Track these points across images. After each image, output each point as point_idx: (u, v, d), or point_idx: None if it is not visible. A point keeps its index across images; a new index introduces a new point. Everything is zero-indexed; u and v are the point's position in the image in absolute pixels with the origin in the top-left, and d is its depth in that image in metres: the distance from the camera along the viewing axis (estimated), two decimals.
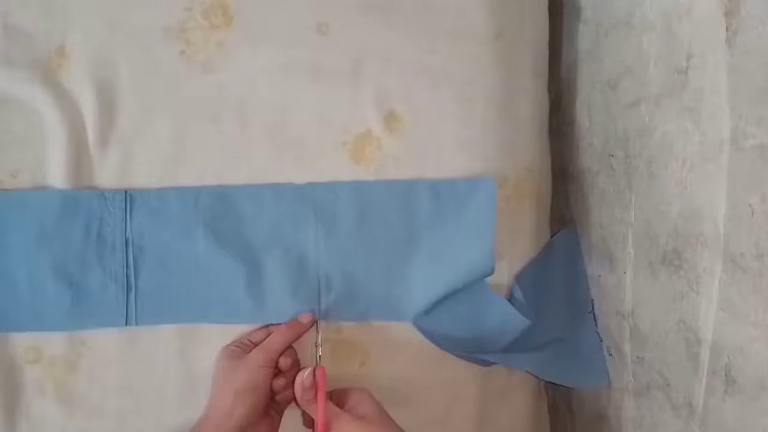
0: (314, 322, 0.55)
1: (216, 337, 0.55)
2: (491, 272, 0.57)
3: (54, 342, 0.54)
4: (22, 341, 0.54)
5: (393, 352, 0.57)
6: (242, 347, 0.54)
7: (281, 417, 0.54)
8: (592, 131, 0.59)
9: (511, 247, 0.59)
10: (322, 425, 0.47)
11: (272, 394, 0.52)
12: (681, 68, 0.43)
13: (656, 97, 0.47)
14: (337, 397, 0.51)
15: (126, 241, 0.55)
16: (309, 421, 0.53)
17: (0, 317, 0.53)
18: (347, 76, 0.57)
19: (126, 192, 0.55)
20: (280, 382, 0.52)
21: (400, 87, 0.57)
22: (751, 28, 0.35)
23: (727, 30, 0.37)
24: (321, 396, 0.48)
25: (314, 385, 0.49)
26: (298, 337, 0.54)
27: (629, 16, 0.50)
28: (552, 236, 0.63)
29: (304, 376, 0.49)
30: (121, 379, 0.55)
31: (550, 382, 0.64)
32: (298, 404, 0.51)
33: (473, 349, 0.57)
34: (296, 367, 0.54)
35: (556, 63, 0.65)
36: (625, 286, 0.54)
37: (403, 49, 0.57)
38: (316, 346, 0.55)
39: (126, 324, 0.54)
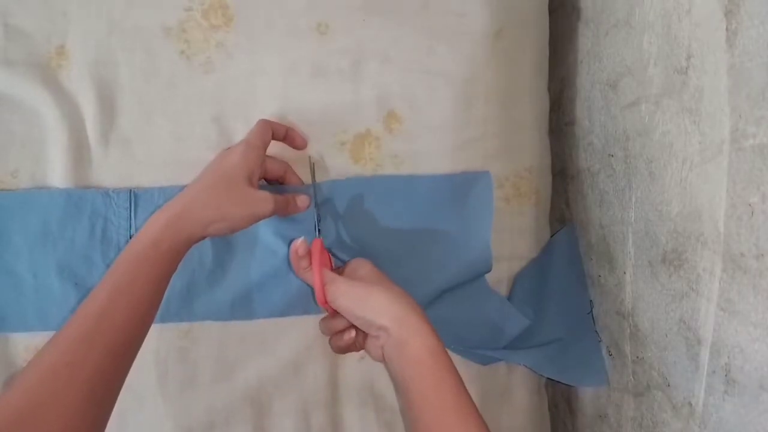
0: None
1: (217, 336, 0.56)
2: (489, 267, 0.56)
3: None
4: (22, 341, 0.54)
5: None
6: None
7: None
8: (592, 131, 0.59)
9: (511, 247, 0.59)
10: (320, 286, 0.47)
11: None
12: (681, 68, 0.43)
13: (656, 97, 0.47)
14: (336, 270, 0.52)
15: (131, 239, 0.55)
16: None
17: (5, 317, 0.53)
18: (347, 76, 0.57)
19: (130, 191, 0.55)
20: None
21: (400, 87, 0.57)
22: (751, 28, 0.35)
23: (727, 30, 0.37)
24: (315, 261, 0.48)
25: (308, 254, 0.49)
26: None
27: (629, 16, 0.50)
28: (552, 236, 0.63)
29: (297, 244, 0.50)
30: None
31: (550, 380, 0.64)
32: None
33: (472, 348, 0.57)
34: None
35: (556, 63, 0.65)
36: (625, 286, 0.54)
37: (403, 49, 0.57)
38: (316, 222, 0.54)
39: None
